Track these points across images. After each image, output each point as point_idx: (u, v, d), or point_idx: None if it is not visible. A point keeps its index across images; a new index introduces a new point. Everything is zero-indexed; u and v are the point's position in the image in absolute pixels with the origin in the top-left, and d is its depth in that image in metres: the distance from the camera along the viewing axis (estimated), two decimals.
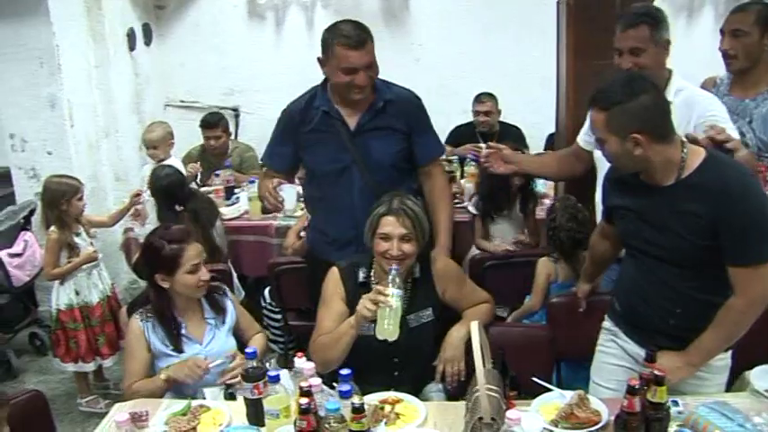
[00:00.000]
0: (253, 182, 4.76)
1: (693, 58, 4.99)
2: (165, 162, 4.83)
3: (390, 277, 2.57)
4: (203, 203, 4.45)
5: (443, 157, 5.27)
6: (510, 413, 1.94)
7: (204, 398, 2.64)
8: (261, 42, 6.59)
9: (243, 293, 4.42)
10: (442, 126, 5.78)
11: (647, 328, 2.49)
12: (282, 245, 4.50)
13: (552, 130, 4.81)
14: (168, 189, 4.28)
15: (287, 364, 3.94)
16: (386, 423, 2.34)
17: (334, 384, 2.27)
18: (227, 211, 4.86)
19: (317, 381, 2.21)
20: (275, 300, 4.29)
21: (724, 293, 2.29)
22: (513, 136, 5.72)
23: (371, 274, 2.84)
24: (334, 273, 2.87)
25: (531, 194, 4.33)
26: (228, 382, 2.74)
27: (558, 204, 3.72)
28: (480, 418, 2.03)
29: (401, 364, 2.81)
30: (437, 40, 6.38)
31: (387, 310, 2.51)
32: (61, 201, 4.03)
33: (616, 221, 2.58)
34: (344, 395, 2.07)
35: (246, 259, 4.77)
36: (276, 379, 2.25)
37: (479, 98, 5.75)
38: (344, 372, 2.16)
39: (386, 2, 6.25)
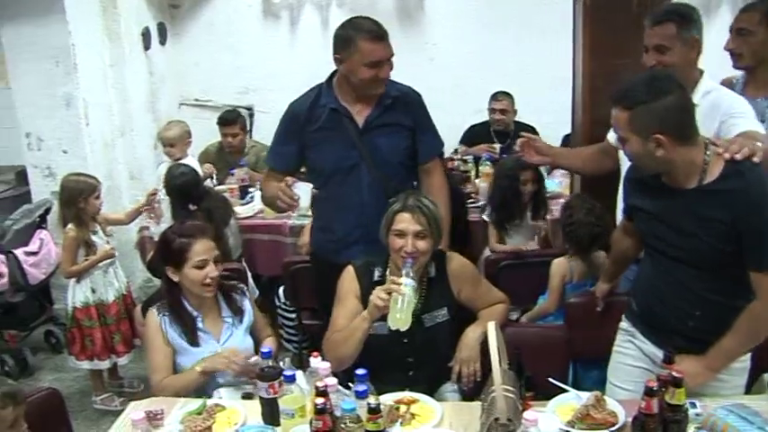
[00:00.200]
0: None
1: (710, 57, 4.97)
2: (182, 161, 4.86)
3: (404, 270, 2.58)
4: (217, 203, 4.46)
5: (458, 156, 5.36)
6: (527, 414, 1.93)
7: (220, 397, 2.64)
8: (275, 42, 6.59)
9: (257, 292, 4.42)
10: (457, 125, 5.83)
11: (664, 329, 2.46)
12: (296, 244, 4.51)
13: (567, 130, 4.79)
14: (182, 188, 4.30)
15: (301, 363, 3.95)
16: (401, 423, 2.33)
17: (350, 384, 2.26)
18: (241, 210, 4.87)
19: (332, 380, 2.20)
20: (289, 299, 4.30)
21: (744, 296, 2.27)
22: None
23: (386, 272, 2.83)
24: (349, 271, 2.86)
25: (542, 202, 4.30)
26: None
27: (573, 201, 3.71)
28: (496, 419, 2.02)
29: (416, 364, 2.81)
30: (452, 40, 6.37)
31: (399, 299, 2.51)
32: (79, 199, 4.05)
33: (635, 221, 2.56)
34: (360, 395, 2.06)
35: (261, 258, 4.77)
36: (292, 379, 2.24)
37: (496, 96, 5.75)
38: (360, 372, 2.15)
39: (401, 1, 6.23)
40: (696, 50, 2.84)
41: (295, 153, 3.19)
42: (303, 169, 3.36)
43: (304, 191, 2.90)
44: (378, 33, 2.96)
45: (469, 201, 4.86)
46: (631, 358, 2.61)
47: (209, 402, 2.49)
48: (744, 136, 2.43)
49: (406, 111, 3.16)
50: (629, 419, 2.18)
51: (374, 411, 1.91)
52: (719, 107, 2.75)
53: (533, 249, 4.13)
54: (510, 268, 3.96)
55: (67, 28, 5.07)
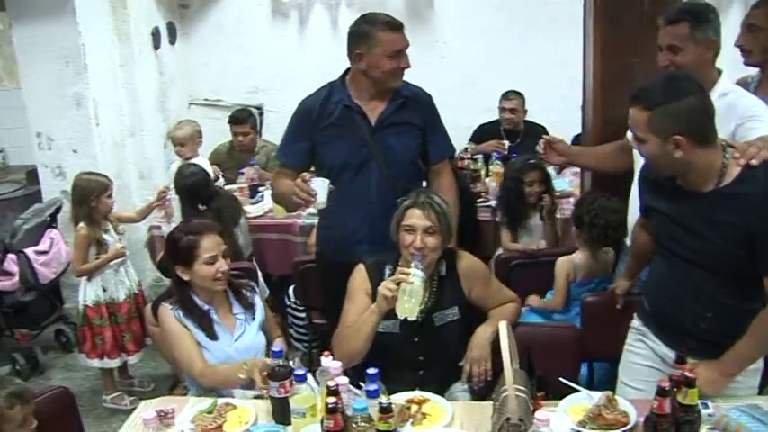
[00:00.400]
0: None
1: (722, 55, 4.95)
2: (192, 161, 4.86)
3: (414, 263, 2.59)
4: (227, 202, 4.46)
5: (468, 155, 5.35)
6: (539, 414, 1.92)
7: (232, 396, 2.65)
8: (285, 41, 6.59)
9: (267, 291, 4.42)
10: (467, 124, 5.81)
11: (676, 329, 2.45)
12: (306, 243, 4.50)
13: (577, 130, 4.78)
14: (192, 188, 4.31)
15: (311, 362, 3.96)
16: (412, 423, 2.32)
17: (361, 384, 2.26)
18: (251, 210, 4.87)
19: (344, 380, 2.20)
20: (299, 298, 4.30)
21: (757, 299, 2.25)
22: (538, 135, 5.67)
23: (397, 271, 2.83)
24: (360, 269, 2.86)
25: (551, 202, 4.29)
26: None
27: (590, 194, 3.70)
28: (508, 419, 2.01)
29: (426, 363, 2.81)
30: (461, 39, 6.35)
31: (407, 288, 2.51)
32: (90, 198, 4.07)
33: (650, 220, 2.55)
34: (371, 394, 2.06)
35: (271, 257, 4.78)
36: (303, 378, 2.24)
37: (506, 95, 5.73)
38: (372, 371, 2.15)
39: (411, 0, 6.25)
40: (712, 51, 2.79)
41: (307, 150, 3.20)
42: (312, 168, 3.35)
43: (321, 186, 2.86)
44: (394, 24, 3.00)
45: (479, 200, 4.86)
46: (643, 358, 2.60)
47: (220, 401, 2.49)
48: (762, 140, 2.40)
49: (417, 111, 3.18)
50: (641, 419, 2.17)
51: (386, 411, 1.91)
52: (736, 109, 2.71)
53: (544, 249, 4.11)
54: (520, 267, 3.95)
55: (77, 28, 5.08)
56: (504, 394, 2.08)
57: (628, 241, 3.22)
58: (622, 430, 2.20)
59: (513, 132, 5.74)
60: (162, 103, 6.28)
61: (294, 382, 2.28)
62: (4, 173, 6.67)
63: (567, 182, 5.01)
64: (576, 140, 5.03)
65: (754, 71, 3.41)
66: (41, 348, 4.90)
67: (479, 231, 4.50)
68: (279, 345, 2.56)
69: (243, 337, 2.88)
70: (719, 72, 2.86)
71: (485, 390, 2.74)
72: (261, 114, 6.62)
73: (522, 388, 2.12)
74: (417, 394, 2.48)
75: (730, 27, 5.98)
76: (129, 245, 4.42)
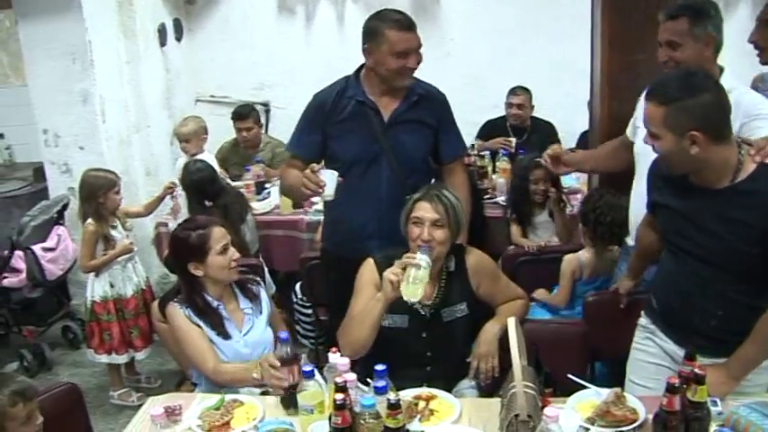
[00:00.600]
0: None
1: (729, 51, 4.92)
2: (198, 157, 4.86)
3: (420, 251, 2.59)
4: (233, 198, 4.46)
5: (475, 151, 5.34)
6: (548, 410, 1.91)
7: (238, 392, 2.64)
8: (291, 37, 6.58)
9: (274, 288, 4.42)
10: (475, 120, 5.80)
11: (686, 327, 2.43)
12: (313, 239, 4.50)
13: (583, 127, 4.77)
14: (198, 184, 4.31)
15: (317, 359, 3.95)
16: (420, 419, 2.32)
17: (369, 380, 2.26)
18: (257, 206, 4.88)
19: (352, 376, 2.19)
20: (306, 295, 4.30)
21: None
22: (544, 131, 5.69)
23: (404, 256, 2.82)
24: (369, 263, 2.85)
25: (559, 198, 4.29)
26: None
27: (594, 193, 3.69)
28: (516, 415, 2.01)
29: (434, 359, 2.80)
30: (468, 35, 6.34)
31: (412, 270, 2.52)
32: (98, 194, 4.08)
33: (657, 217, 2.53)
34: (380, 391, 2.05)
35: (277, 254, 4.78)
36: (310, 374, 2.24)
37: (514, 91, 5.72)
38: (380, 367, 2.13)
39: None
40: (712, 47, 2.76)
41: (318, 143, 3.19)
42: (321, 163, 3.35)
43: (330, 177, 2.84)
44: (405, 23, 2.98)
45: (486, 197, 4.85)
46: (651, 356, 2.59)
47: (228, 398, 2.49)
48: None
49: (431, 109, 3.18)
50: (650, 416, 2.15)
51: (394, 407, 1.90)
52: (740, 107, 2.66)
53: (551, 246, 4.11)
54: (528, 264, 3.95)
55: (84, 25, 5.08)
56: (513, 391, 2.07)
57: (629, 241, 3.21)
58: (631, 427, 2.19)
59: (520, 128, 5.73)
60: (168, 99, 6.29)
61: (303, 375, 2.28)
62: (10, 170, 6.67)
63: (574, 178, 4.99)
64: (583, 137, 5.04)
65: (766, 69, 3.39)
66: (49, 345, 4.90)
67: (486, 228, 4.49)
68: (285, 331, 2.56)
69: (252, 332, 2.88)
70: (721, 69, 2.84)
71: (492, 386, 2.73)
72: (267, 111, 6.63)
73: (531, 384, 2.11)
74: (425, 391, 2.48)
75: (739, 23, 6.01)
76: (135, 241, 4.42)
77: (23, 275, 4.69)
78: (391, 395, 1.94)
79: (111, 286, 4.21)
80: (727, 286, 2.31)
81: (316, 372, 2.30)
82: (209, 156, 5.09)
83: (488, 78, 6.23)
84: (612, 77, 3.67)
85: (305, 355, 4.10)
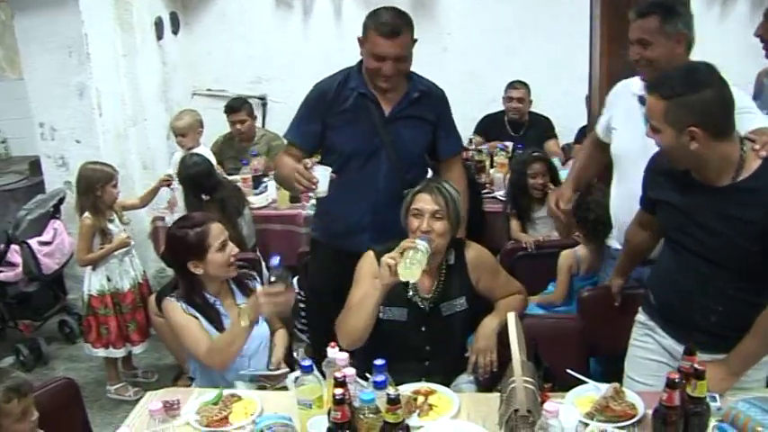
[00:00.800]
0: None
1: (728, 47, 4.92)
2: (195, 150, 4.84)
3: (420, 239, 2.59)
4: (230, 192, 4.45)
5: (473, 146, 5.34)
6: (548, 405, 1.90)
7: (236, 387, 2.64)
8: (288, 31, 6.56)
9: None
10: (472, 115, 5.80)
11: (685, 324, 2.42)
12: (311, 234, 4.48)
13: (581, 122, 4.77)
14: (195, 178, 4.30)
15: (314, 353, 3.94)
16: (419, 414, 2.32)
17: (367, 375, 2.25)
18: (254, 200, 4.86)
19: (351, 371, 2.18)
20: (304, 289, 4.28)
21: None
22: (542, 126, 5.69)
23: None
24: (369, 255, 2.84)
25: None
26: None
27: (585, 191, 3.69)
28: (516, 410, 2.00)
29: (432, 353, 2.80)
30: (466, 30, 6.32)
31: (410, 252, 2.52)
32: (96, 187, 4.07)
33: (658, 214, 2.52)
34: (379, 385, 2.04)
35: (275, 248, 4.74)
36: (309, 369, 2.23)
37: (513, 84, 5.72)
38: (379, 362, 2.13)
39: None
40: (683, 44, 2.76)
41: (317, 133, 3.17)
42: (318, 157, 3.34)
43: (323, 174, 2.82)
44: (387, 29, 2.93)
45: (484, 191, 4.84)
46: (650, 352, 2.58)
47: (226, 392, 2.48)
48: None
49: (431, 106, 3.18)
50: (649, 411, 2.16)
51: (394, 402, 1.88)
52: None
53: (549, 240, 4.10)
54: (527, 258, 3.96)
55: (80, 18, 5.05)
56: (512, 386, 2.06)
57: (611, 243, 3.21)
58: (630, 422, 2.19)
59: (518, 123, 5.73)
60: (165, 93, 6.26)
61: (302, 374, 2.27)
62: (6, 164, 6.64)
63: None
64: (582, 132, 5.03)
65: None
66: (45, 339, 4.89)
67: (485, 223, 4.49)
68: (277, 257, 2.55)
69: None
70: None
71: (490, 381, 2.74)
72: (264, 105, 6.61)
73: (530, 379, 2.10)
74: (424, 385, 2.48)
75: (737, 18, 6.01)
76: (132, 235, 4.42)
77: (19, 269, 4.68)
78: (391, 390, 1.93)
79: (109, 280, 4.20)
80: (728, 284, 2.31)
81: (314, 366, 2.29)
82: (205, 149, 5.06)
83: (486, 74, 6.22)
84: (611, 74, 3.66)
85: (302, 350, 4.12)
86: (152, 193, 4.70)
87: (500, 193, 4.82)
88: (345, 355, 2.30)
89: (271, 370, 2.84)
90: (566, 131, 5.70)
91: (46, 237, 4.78)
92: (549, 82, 5.89)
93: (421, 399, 2.39)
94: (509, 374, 2.16)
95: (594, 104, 3.93)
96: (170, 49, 6.34)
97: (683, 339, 2.38)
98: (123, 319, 4.25)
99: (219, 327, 2.80)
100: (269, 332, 2.96)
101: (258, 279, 3.05)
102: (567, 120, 5.71)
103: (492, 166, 5.22)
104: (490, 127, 5.76)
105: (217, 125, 5.76)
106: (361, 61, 3.14)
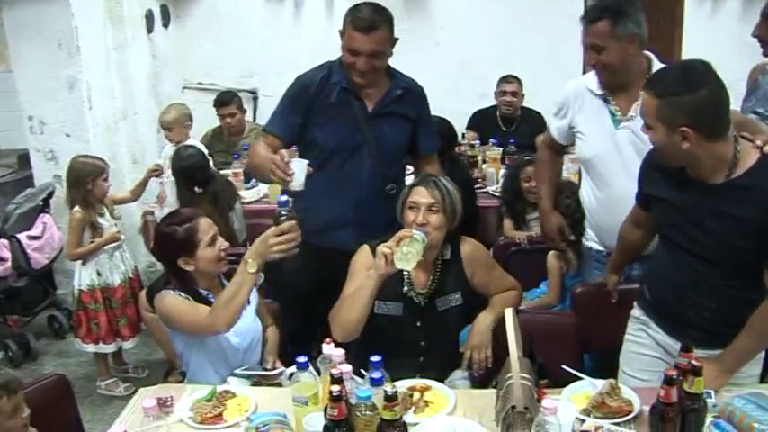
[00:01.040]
0: None
1: (720, 43, 4.93)
2: (186, 144, 4.80)
3: (416, 230, 2.59)
4: (223, 186, 4.42)
5: (465, 141, 5.34)
6: (546, 402, 1.90)
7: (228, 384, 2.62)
8: (279, 25, 6.54)
9: (263, 277, 4.37)
10: (464, 110, 5.79)
11: (679, 319, 2.43)
12: None
13: None
14: (189, 170, 4.27)
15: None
16: (415, 411, 2.30)
17: (362, 372, 2.24)
18: (246, 195, 4.85)
19: (347, 367, 2.17)
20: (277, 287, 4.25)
21: (761, 290, 2.25)
22: (534, 121, 5.68)
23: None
24: (365, 249, 2.83)
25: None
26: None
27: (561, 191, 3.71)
28: (513, 407, 1.99)
29: (427, 348, 2.80)
30: (458, 24, 6.31)
31: (407, 241, 2.52)
32: (87, 180, 4.05)
33: (653, 210, 2.52)
34: (376, 382, 2.03)
35: None
36: (305, 366, 2.21)
37: (506, 78, 5.72)
38: (375, 358, 2.11)
39: None
40: (635, 44, 2.81)
41: (298, 126, 3.12)
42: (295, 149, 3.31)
43: (299, 167, 2.77)
44: (365, 25, 2.92)
45: (476, 186, 4.84)
46: (644, 347, 2.58)
47: (220, 389, 2.46)
48: None
49: (412, 103, 3.19)
50: (645, 407, 2.16)
51: (391, 399, 1.87)
52: None
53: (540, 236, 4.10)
54: (521, 254, 3.97)
55: (70, 10, 5.02)
56: (509, 382, 2.06)
57: (591, 244, 3.22)
58: (626, 418, 2.18)
59: (510, 118, 5.72)
60: (155, 86, 6.23)
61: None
62: None
63: (563, 168, 4.97)
64: None
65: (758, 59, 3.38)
66: (34, 335, 4.85)
67: (478, 218, 4.49)
68: (285, 196, 2.54)
69: (240, 322, 2.81)
70: (648, 59, 2.88)
71: (484, 377, 2.73)
72: (255, 99, 6.59)
73: (527, 376, 2.10)
74: (419, 382, 2.47)
75: (729, 14, 6.02)
76: (123, 230, 4.39)
77: (8, 264, 4.62)
78: (388, 387, 1.92)
79: (99, 275, 4.17)
80: (721, 281, 2.31)
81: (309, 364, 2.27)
82: (194, 142, 5.02)
83: (478, 68, 6.21)
84: None
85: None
86: (142, 186, 4.69)
87: (492, 188, 4.83)
88: (341, 352, 2.28)
89: (267, 369, 2.81)
90: None
91: (35, 231, 4.74)
92: (542, 77, 5.86)
93: (417, 395, 2.37)
94: (505, 371, 2.15)
95: None
96: (160, 43, 6.30)
97: (677, 335, 2.39)
98: (113, 314, 4.23)
99: None
100: (261, 327, 2.93)
101: None
102: None
103: (484, 162, 5.21)
104: (482, 122, 5.75)
105: (207, 119, 5.75)
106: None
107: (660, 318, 2.52)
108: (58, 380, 2.62)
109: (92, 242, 4.12)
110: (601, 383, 2.32)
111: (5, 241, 4.60)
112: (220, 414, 2.34)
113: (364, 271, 2.73)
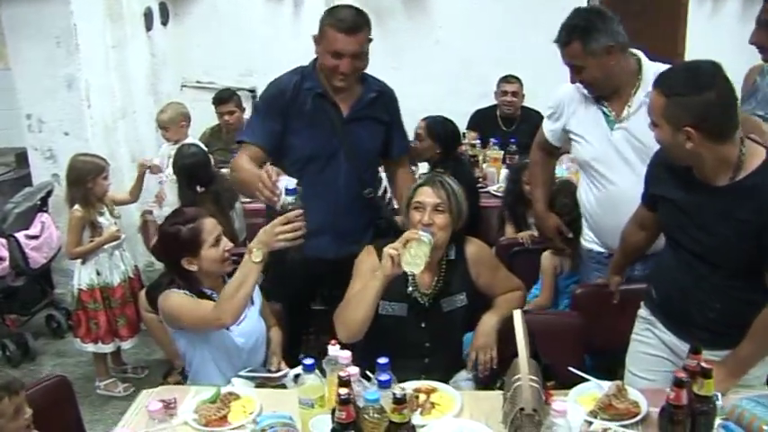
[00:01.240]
0: None
1: (720, 43, 4.92)
2: (186, 143, 4.78)
3: (422, 230, 2.58)
4: (225, 185, 4.40)
5: (466, 141, 5.33)
6: (555, 405, 1.89)
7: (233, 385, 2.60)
8: (279, 23, 6.52)
9: (263, 277, 4.36)
10: (464, 110, 5.76)
11: (685, 320, 2.42)
12: None
13: None
14: (192, 168, 4.24)
15: (307, 349, 3.91)
16: (421, 413, 2.29)
17: (368, 374, 2.22)
18: None
19: (354, 370, 2.15)
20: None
21: (763, 291, 2.23)
22: (534, 120, 5.65)
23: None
24: (370, 250, 2.82)
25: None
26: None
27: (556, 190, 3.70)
28: (521, 409, 1.98)
29: (432, 350, 2.79)
30: (458, 23, 6.28)
31: (414, 243, 2.51)
32: (87, 179, 4.03)
33: (659, 210, 2.51)
34: (383, 384, 2.02)
35: None
36: (311, 368, 2.19)
37: (506, 78, 5.71)
38: (382, 361, 2.10)
39: None
40: (614, 53, 2.80)
41: (277, 133, 3.07)
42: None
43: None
44: (347, 26, 2.90)
45: (478, 186, 4.83)
46: (651, 347, 2.58)
47: (224, 391, 2.44)
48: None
49: (385, 106, 3.19)
50: (651, 409, 2.15)
51: (400, 402, 1.84)
52: None
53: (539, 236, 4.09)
54: (524, 254, 3.94)
55: (69, 8, 5.00)
56: (517, 384, 2.04)
57: (590, 245, 3.21)
58: (633, 420, 2.17)
59: (510, 118, 5.71)
60: (153, 85, 6.21)
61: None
62: None
63: (563, 168, 4.96)
64: None
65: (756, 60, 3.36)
66: (32, 334, 4.83)
67: (480, 218, 4.47)
68: (293, 184, 2.52)
69: (245, 322, 2.80)
70: (637, 59, 2.89)
71: (489, 378, 2.71)
72: (254, 97, 6.55)
73: (535, 378, 2.08)
74: (425, 383, 2.45)
75: (728, 15, 6.01)
76: (122, 229, 4.36)
77: (6, 263, 4.60)
78: (397, 389, 1.91)
79: (98, 274, 4.16)
80: (724, 282, 2.31)
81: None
82: (193, 141, 5.00)
83: (478, 68, 6.19)
84: None
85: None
86: (138, 184, 4.64)
87: (494, 188, 4.83)
88: (348, 354, 2.26)
89: (271, 372, 2.80)
90: None
91: (33, 230, 4.72)
92: (543, 77, 5.83)
93: (423, 397, 2.36)
94: (512, 372, 2.14)
95: None
96: (159, 41, 6.28)
97: (683, 335, 2.40)
98: (112, 313, 4.21)
99: None
100: (265, 328, 2.91)
101: None
102: None
103: (485, 161, 5.21)
104: (482, 122, 5.74)
105: (206, 117, 5.73)
106: (314, 60, 3.09)
107: (666, 318, 2.52)
108: (60, 381, 2.61)
109: (91, 241, 4.10)
110: (607, 385, 2.31)
111: (3, 240, 4.57)
112: (225, 416, 2.31)
113: (369, 272, 2.71)
